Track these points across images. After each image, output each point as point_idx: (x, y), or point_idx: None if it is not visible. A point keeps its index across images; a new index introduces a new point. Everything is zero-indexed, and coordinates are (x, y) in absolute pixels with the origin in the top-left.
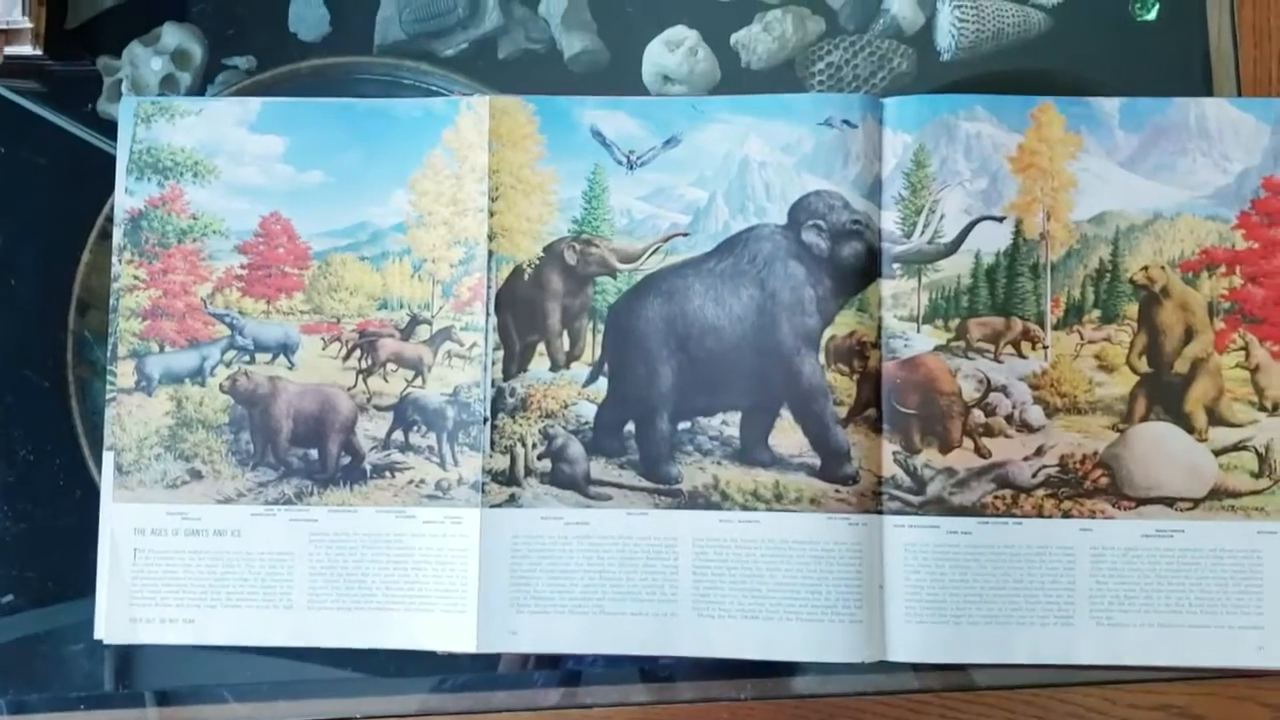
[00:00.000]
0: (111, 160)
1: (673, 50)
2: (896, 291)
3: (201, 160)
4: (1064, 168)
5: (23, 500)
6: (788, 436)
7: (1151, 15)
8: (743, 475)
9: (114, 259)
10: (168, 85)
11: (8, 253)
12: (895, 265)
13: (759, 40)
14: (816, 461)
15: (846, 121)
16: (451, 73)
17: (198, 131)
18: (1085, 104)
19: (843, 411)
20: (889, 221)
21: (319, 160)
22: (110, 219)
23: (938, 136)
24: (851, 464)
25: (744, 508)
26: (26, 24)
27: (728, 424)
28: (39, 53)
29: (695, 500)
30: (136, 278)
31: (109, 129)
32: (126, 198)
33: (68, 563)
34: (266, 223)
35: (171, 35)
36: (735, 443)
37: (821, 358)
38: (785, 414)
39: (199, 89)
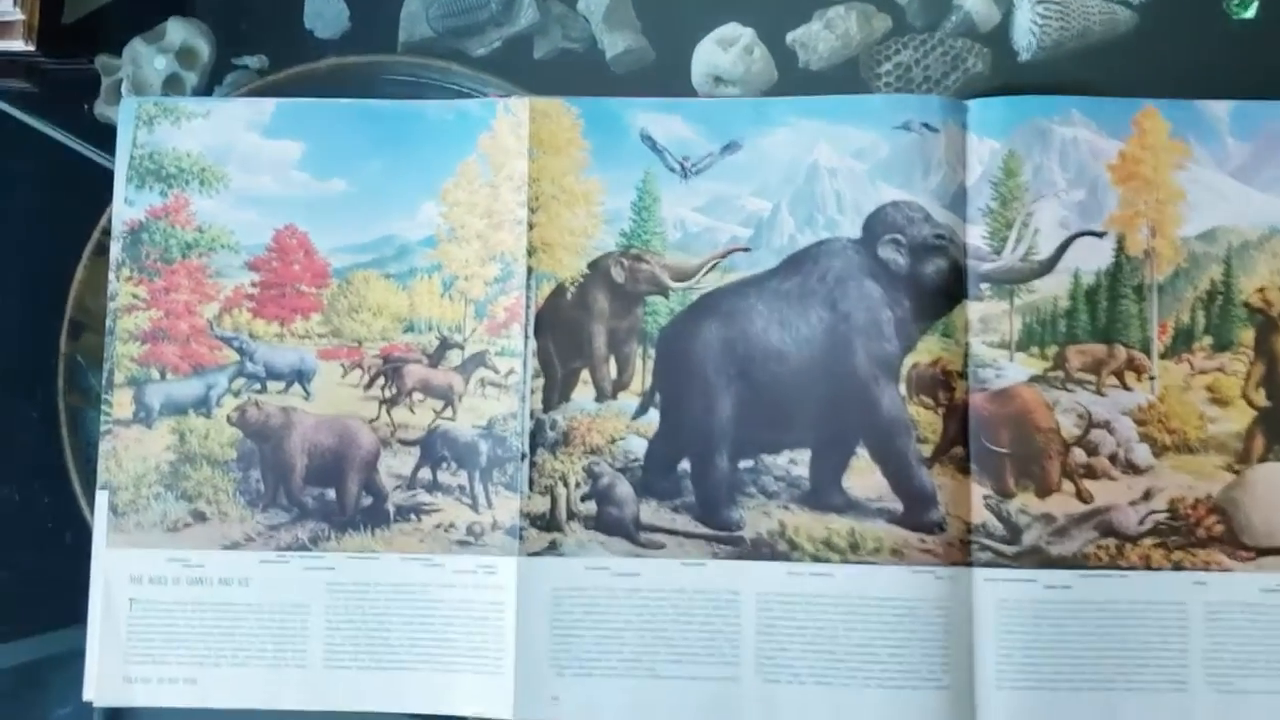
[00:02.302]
0: (109, 168)
1: (726, 49)
2: (985, 314)
3: (209, 167)
4: (1170, 178)
5: (6, 544)
6: (864, 477)
7: (1250, 14)
8: (813, 521)
9: (111, 276)
10: (172, 87)
11: None
12: (983, 285)
13: (820, 38)
14: (897, 506)
15: (926, 125)
16: (483, 73)
17: (205, 135)
18: (1192, 108)
19: (927, 449)
20: (975, 236)
21: (339, 167)
22: (107, 232)
23: (1029, 142)
24: (937, 509)
25: (815, 558)
26: (18, 16)
27: (796, 463)
28: (32, 49)
29: (759, 549)
30: (136, 296)
31: (107, 134)
32: (126, 208)
33: (55, 614)
34: (281, 236)
35: (177, 31)
36: (804, 484)
37: (902, 388)
38: (861, 452)
39: (205, 91)
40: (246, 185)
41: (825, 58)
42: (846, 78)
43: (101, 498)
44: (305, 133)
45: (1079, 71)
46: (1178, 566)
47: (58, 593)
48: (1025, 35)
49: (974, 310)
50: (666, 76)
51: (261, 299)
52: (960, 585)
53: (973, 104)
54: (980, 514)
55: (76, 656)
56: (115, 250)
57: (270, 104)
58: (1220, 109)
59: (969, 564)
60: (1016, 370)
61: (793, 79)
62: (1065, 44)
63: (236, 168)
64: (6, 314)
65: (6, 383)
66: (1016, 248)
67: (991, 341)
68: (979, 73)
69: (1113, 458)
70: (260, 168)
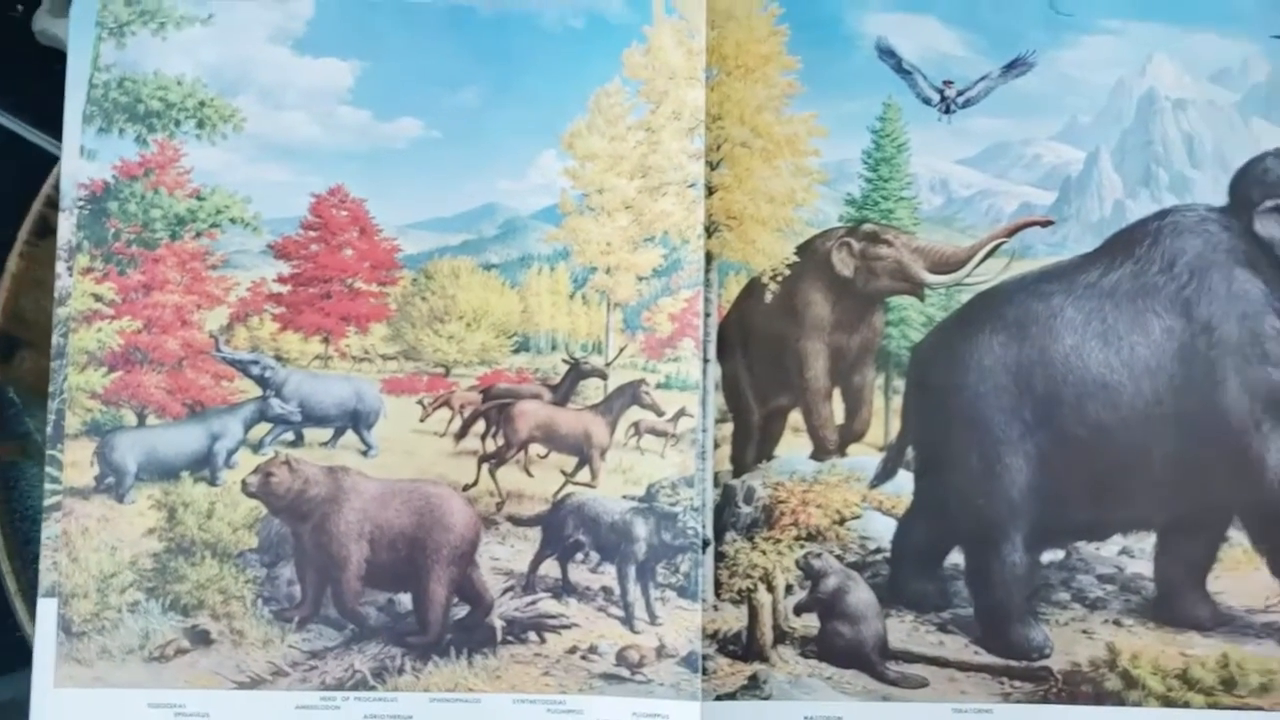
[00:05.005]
0: (56, 108)
1: None
2: None
3: (212, 100)
4: None
5: None
6: (1243, 576)
7: None
8: (1162, 644)
9: (60, 266)
10: None
11: None
12: None
13: None
14: None
15: None
16: None
17: (207, 51)
18: None
19: None
20: None
21: (412, 101)
22: (54, 202)
23: None
24: None
25: (1166, 701)
26: None
27: (1132, 554)
28: None
29: (1075, 688)
30: (99, 298)
31: (54, 60)
32: (82, 164)
33: None
34: (324, 205)
35: None
36: (1147, 586)
37: None
38: (1237, 536)
39: None
40: (271, 128)
41: None
42: None
43: (46, 609)
44: (361, 47)
45: None
46: None
47: None
48: None
49: None
50: None
51: (295, 302)
52: None
53: None
54: None
55: None
56: (65, 228)
57: (307, 4)
58: None
59: None
60: None
61: None
62: None
63: (255, 101)
64: None
65: None
66: None
67: None
68: None
69: None
70: (292, 101)
